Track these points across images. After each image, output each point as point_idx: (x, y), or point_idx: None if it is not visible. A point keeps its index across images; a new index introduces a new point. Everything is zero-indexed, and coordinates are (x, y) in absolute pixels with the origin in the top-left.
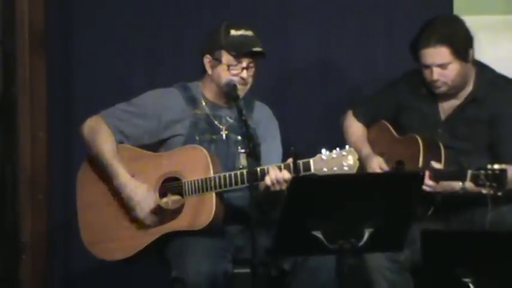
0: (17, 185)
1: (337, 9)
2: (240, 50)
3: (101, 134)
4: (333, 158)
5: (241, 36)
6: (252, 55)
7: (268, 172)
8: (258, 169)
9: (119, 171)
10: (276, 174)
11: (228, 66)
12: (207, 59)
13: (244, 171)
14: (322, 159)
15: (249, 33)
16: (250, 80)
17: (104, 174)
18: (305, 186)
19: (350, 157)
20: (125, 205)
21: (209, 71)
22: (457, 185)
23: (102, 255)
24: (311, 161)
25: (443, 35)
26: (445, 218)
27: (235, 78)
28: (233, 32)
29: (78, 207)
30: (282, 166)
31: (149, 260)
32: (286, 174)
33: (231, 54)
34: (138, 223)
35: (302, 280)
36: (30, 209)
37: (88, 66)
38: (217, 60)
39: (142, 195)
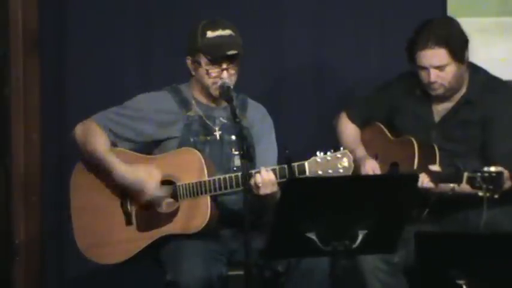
0: (10, 187)
1: (331, 10)
2: (215, 54)
3: (93, 133)
4: (327, 160)
5: (216, 37)
6: (227, 58)
7: (254, 176)
8: (253, 172)
9: (115, 162)
10: (262, 177)
11: (207, 70)
12: (188, 61)
13: (239, 174)
14: (317, 161)
15: (227, 32)
16: (233, 79)
17: (97, 177)
18: (299, 188)
19: (345, 159)
20: (121, 201)
21: (193, 73)
22: (448, 186)
23: (97, 259)
24: (306, 163)
25: (441, 36)
26: (439, 219)
27: (213, 80)
28: (209, 34)
29: (71, 212)
30: (277, 169)
31: (143, 262)
32: (272, 177)
33: (207, 58)
34: (133, 227)
35: (296, 282)
36: (24, 211)
37: (82, 67)
38: (197, 63)
39: (145, 173)
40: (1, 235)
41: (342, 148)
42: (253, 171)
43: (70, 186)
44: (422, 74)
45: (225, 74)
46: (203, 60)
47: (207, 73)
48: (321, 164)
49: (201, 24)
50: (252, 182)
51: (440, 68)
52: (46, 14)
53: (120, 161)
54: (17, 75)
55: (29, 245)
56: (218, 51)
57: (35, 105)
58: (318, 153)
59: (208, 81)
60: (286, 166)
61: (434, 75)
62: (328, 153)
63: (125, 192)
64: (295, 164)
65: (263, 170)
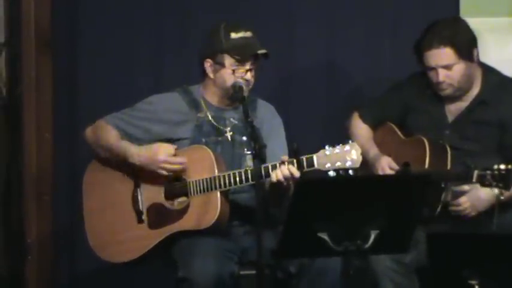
0: (23, 186)
1: (343, 9)
2: (243, 53)
3: (103, 130)
4: (336, 153)
5: (241, 38)
6: (255, 57)
7: (276, 168)
8: (262, 167)
9: (129, 146)
10: (283, 170)
11: (233, 70)
12: (207, 63)
13: (249, 169)
14: (326, 154)
15: (248, 34)
16: (252, 81)
17: (109, 176)
18: (311, 189)
19: (353, 152)
20: (132, 199)
21: (211, 75)
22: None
23: (109, 258)
24: (314, 156)
25: (446, 36)
26: (451, 220)
27: (240, 80)
28: (233, 35)
29: (84, 212)
30: (286, 162)
31: (155, 261)
32: (294, 171)
33: (235, 58)
34: (144, 225)
35: (308, 282)
36: (36, 209)
37: (94, 66)
38: (220, 64)
39: (156, 149)
40: (13, 234)
41: (350, 141)
42: (262, 166)
43: (82, 185)
44: (431, 74)
45: (248, 74)
46: (228, 60)
47: (233, 73)
48: (329, 156)
49: (221, 26)
50: (273, 176)
51: (447, 67)
52: (58, 13)
53: (134, 144)
54: (30, 75)
55: (41, 244)
56: (247, 50)
57: (47, 104)
58: (326, 146)
59: (231, 82)
60: (294, 159)
61: (442, 74)
62: (337, 146)
63: (140, 183)
64: (304, 157)
65: (284, 168)
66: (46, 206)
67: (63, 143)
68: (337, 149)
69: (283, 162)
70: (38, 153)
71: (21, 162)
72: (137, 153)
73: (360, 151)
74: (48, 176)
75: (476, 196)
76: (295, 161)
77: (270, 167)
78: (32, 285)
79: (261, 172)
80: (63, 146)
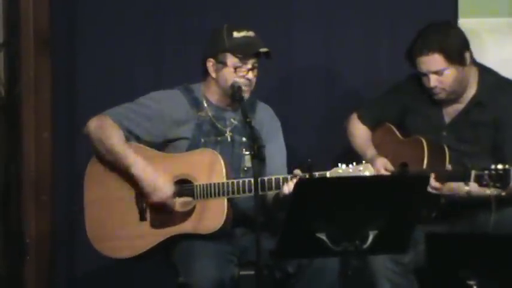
0: (21, 186)
1: (341, 10)
2: (245, 51)
3: (109, 128)
4: (349, 172)
5: (244, 37)
6: (257, 56)
7: (287, 181)
8: (274, 178)
9: (136, 158)
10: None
11: (235, 68)
12: (210, 63)
13: (266, 179)
14: (339, 172)
15: (251, 34)
16: (254, 81)
17: (114, 170)
18: (310, 189)
19: (367, 172)
20: (136, 196)
21: (213, 75)
22: (463, 189)
23: (108, 253)
24: (327, 173)
25: (435, 42)
26: (449, 220)
27: (241, 80)
28: (236, 34)
29: (84, 203)
30: (299, 178)
31: (155, 262)
32: None
33: (237, 57)
34: (146, 223)
35: (306, 282)
36: (34, 210)
37: (93, 66)
38: (222, 63)
39: (160, 183)
40: (12, 234)
41: (363, 161)
42: (273, 177)
43: (85, 177)
44: (424, 80)
45: (250, 74)
46: (230, 59)
47: (235, 72)
48: (342, 174)
49: (224, 27)
50: (285, 191)
51: (438, 73)
52: (57, 13)
53: (140, 157)
54: (28, 74)
55: (40, 244)
56: (249, 49)
57: (46, 104)
58: (339, 164)
59: (233, 80)
60: (307, 175)
61: (433, 80)
62: (350, 165)
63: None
64: (317, 173)
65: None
66: (45, 206)
67: (62, 143)
68: (351, 168)
69: (295, 176)
70: (37, 153)
71: (20, 162)
72: (139, 174)
73: (373, 171)
74: (46, 176)
75: (457, 185)
76: (307, 176)
77: (281, 180)
78: (30, 285)
79: (270, 180)
80: (62, 146)
